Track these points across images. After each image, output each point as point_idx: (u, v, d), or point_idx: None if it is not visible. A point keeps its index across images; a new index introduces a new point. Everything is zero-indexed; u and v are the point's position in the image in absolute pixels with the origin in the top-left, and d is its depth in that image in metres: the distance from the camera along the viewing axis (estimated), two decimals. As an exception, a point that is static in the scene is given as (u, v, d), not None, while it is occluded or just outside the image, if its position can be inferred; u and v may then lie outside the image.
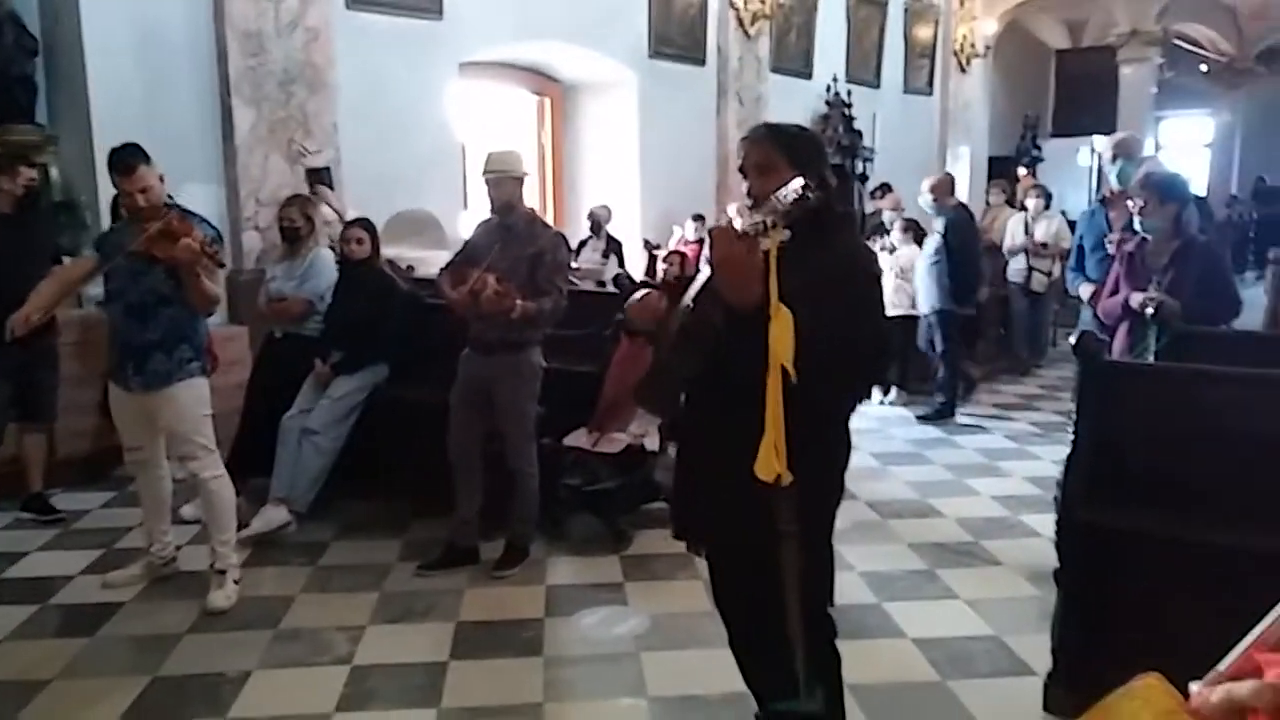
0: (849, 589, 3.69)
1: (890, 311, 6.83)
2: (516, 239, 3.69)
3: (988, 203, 9.46)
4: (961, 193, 12.48)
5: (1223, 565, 2.35)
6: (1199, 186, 16.17)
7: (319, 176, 5.76)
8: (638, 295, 2.12)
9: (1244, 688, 1.51)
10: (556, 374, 4.17)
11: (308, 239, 4.74)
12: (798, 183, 1.91)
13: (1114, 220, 4.56)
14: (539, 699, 2.89)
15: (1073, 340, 2.65)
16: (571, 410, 4.34)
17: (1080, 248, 4.80)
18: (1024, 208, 8.20)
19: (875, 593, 3.67)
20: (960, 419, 6.56)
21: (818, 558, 2.15)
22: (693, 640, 3.23)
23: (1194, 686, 1.57)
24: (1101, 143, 13.63)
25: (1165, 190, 4.01)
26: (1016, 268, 7.80)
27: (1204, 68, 15.98)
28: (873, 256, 2.16)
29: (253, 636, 3.30)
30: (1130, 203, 4.06)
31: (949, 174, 7.29)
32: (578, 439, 4.29)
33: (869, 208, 9.78)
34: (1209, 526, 2.47)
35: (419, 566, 3.88)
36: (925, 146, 12.27)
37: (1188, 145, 18.21)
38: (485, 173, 3.75)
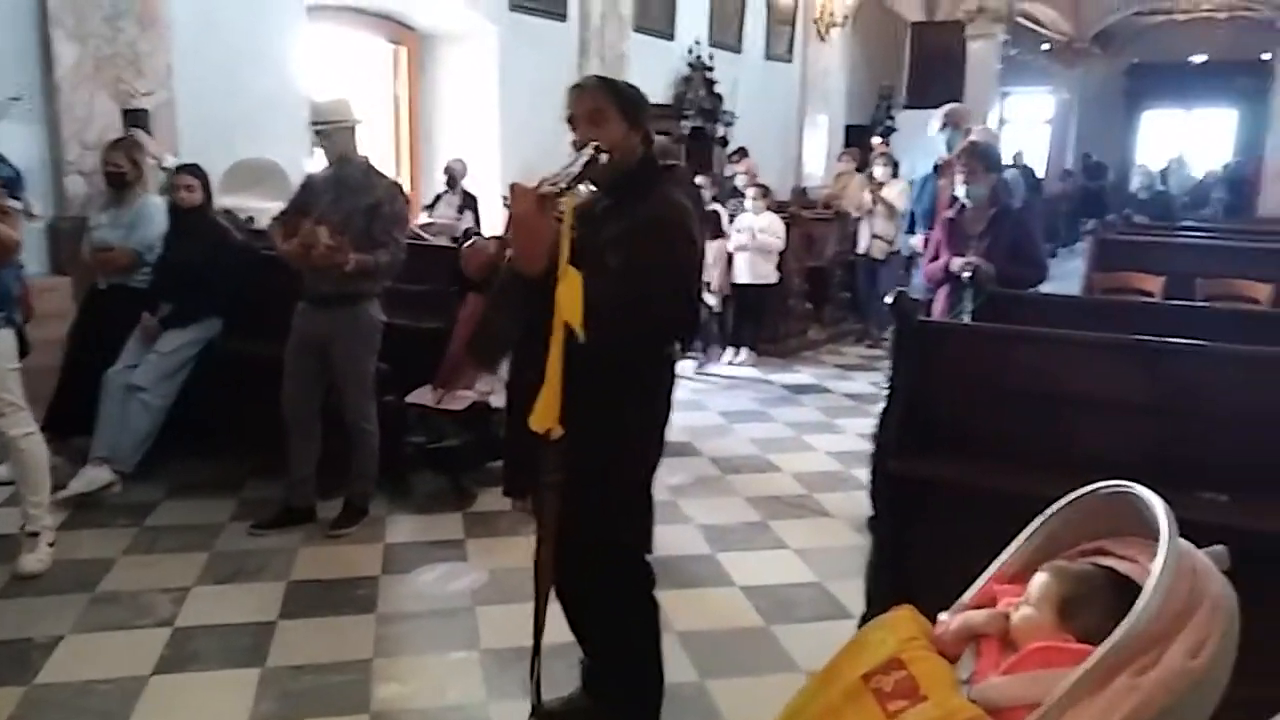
0: (686, 541, 3.81)
1: (742, 279, 7.13)
2: (351, 190, 3.60)
3: (839, 173, 9.74)
4: (818, 160, 12.90)
5: (1013, 510, 2.53)
6: (1037, 160, 17.14)
7: (135, 119, 5.43)
8: (470, 243, 2.10)
9: (979, 615, 1.65)
10: (401, 330, 4.12)
11: (135, 185, 4.49)
12: (590, 148, 1.95)
13: (943, 187, 4.78)
14: (368, 655, 2.88)
15: (889, 300, 2.79)
16: (417, 367, 4.28)
17: (913, 212, 5.01)
18: (872, 175, 8.49)
19: (710, 544, 3.80)
20: (805, 379, 6.82)
21: (623, 509, 2.21)
22: (529, 594, 3.26)
23: (941, 616, 1.70)
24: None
25: (987, 159, 4.25)
26: (864, 234, 8.08)
27: (1046, 46, 16.83)
28: (685, 213, 2.18)
29: (67, 600, 3.16)
30: (958, 173, 4.28)
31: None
32: (422, 396, 4.24)
33: (727, 171, 9.96)
34: (1003, 474, 2.66)
35: (251, 526, 3.79)
36: (785, 113, 12.52)
37: (1030, 120, 19.20)
38: (313, 124, 3.62)
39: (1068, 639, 1.47)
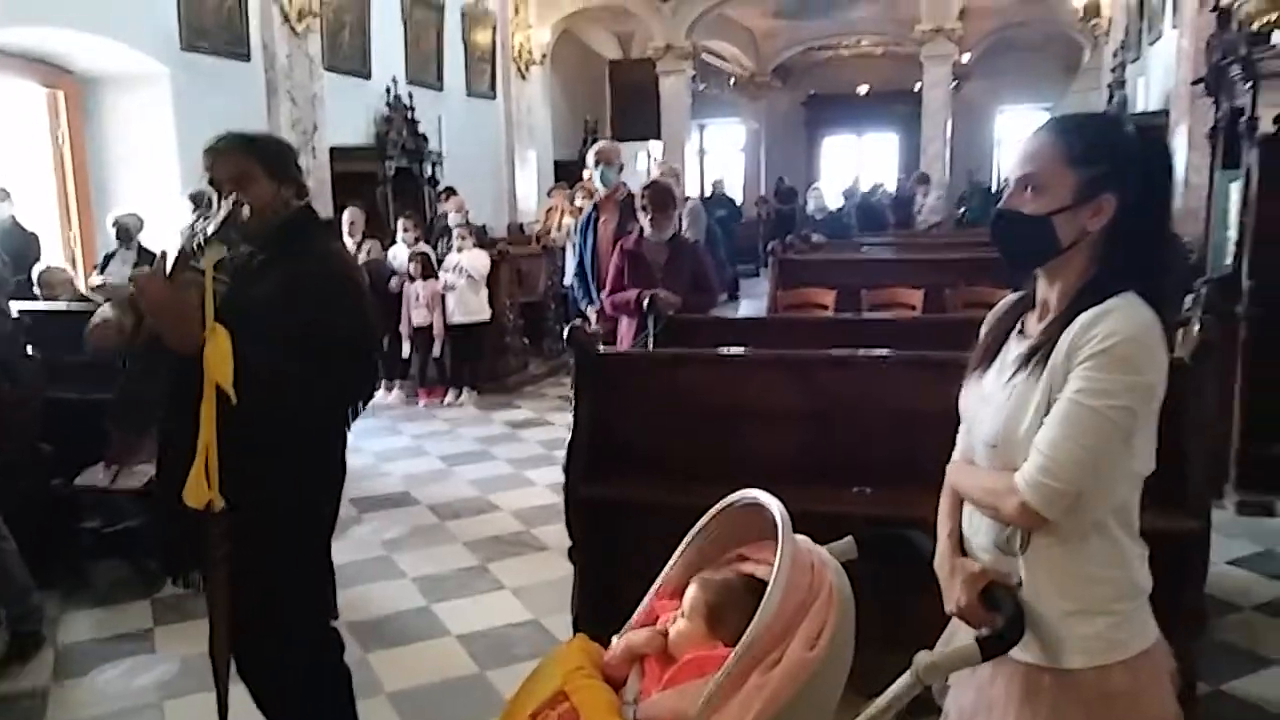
0: (400, 596, 3.71)
1: (456, 318, 7.09)
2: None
3: (549, 209, 9.95)
4: (532, 196, 13.12)
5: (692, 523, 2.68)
6: (734, 187, 18.39)
7: None
8: (95, 319, 1.89)
9: (639, 636, 1.72)
10: (64, 405, 3.74)
11: None
12: (229, 201, 1.88)
13: (603, 222, 4.98)
14: (31, 777, 2.56)
15: (566, 333, 2.87)
16: (86, 444, 3.90)
17: (578, 249, 5.14)
18: (580, 209, 8.73)
19: (426, 596, 3.72)
20: (526, 414, 6.88)
21: (298, 579, 2.12)
22: (225, 677, 3.04)
23: (613, 640, 1.75)
24: (654, 146, 15.02)
25: (669, 195, 4.50)
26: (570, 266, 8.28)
27: (733, 81, 18.11)
28: (347, 265, 2.16)
29: None
30: (639, 207, 4.49)
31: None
32: (93, 476, 3.85)
33: (438, 210, 9.90)
34: (685, 490, 2.80)
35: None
36: (493, 149, 12.63)
37: (726, 149, 20.57)
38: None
39: (717, 646, 1.55)
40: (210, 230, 1.95)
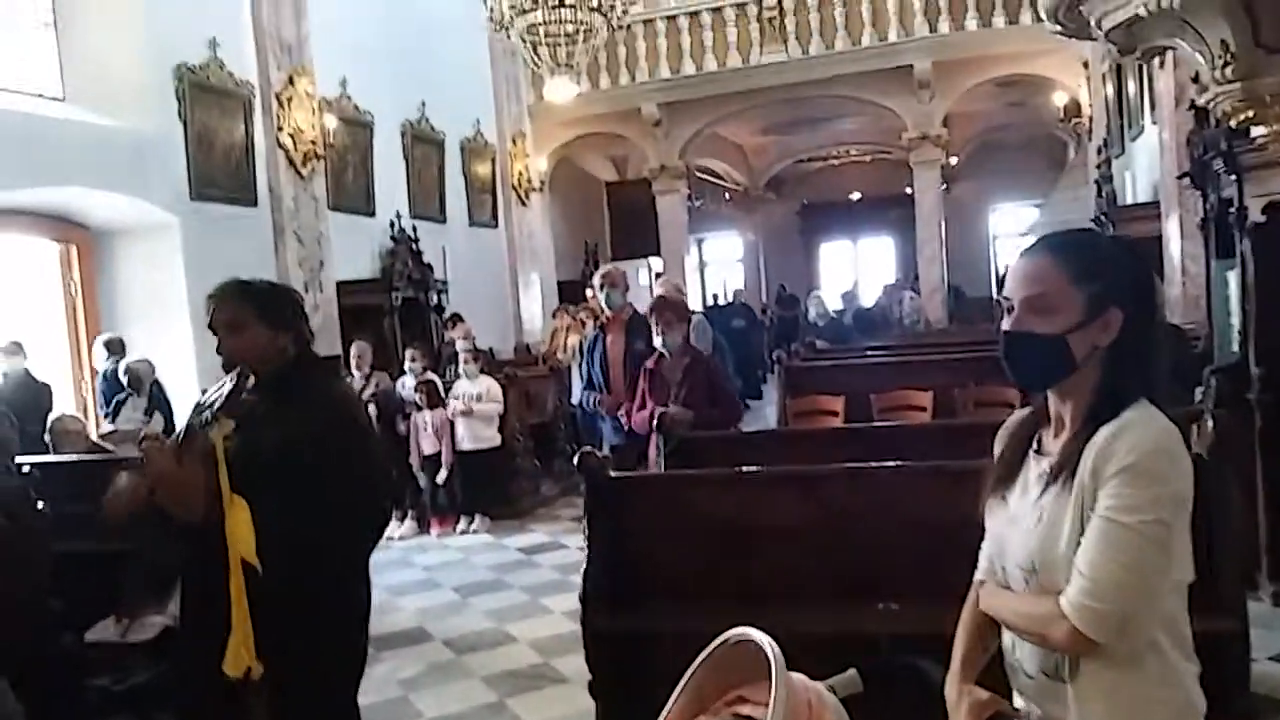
0: (417, 739, 3.59)
1: (465, 446, 7.08)
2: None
3: (554, 330, 10.07)
4: (537, 317, 13.30)
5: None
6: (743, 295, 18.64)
7: None
8: (111, 491, 1.88)
9: None
10: (74, 558, 3.71)
11: None
12: (231, 376, 1.92)
13: (610, 343, 5.05)
14: None
15: (576, 459, 2.86)
16: (98, 598, 3.85)
17: (586, 364, 5.21)
18: (584, 327, 8.83)
19: (444, 737, 3.60)
20: (539, 538, 6.80)
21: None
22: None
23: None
24: (655, 262, 15.30)
25: (677, 310, 4.57)
26: (577, 385, 8.32)
27: (726, 195, 18.56)
28: (350, 403, 2.17)
29: None
30: (654, 325, 4.56)
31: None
32: (104, 631, 3.79)
33: (445, 337, 10.01)
34: (705, 615, 2.73)
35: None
36: (497, 275, 12.86)
37: (725, 260, 20.94)
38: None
39: (715, 793, 1.49)
40: (217, 405, 1.98)
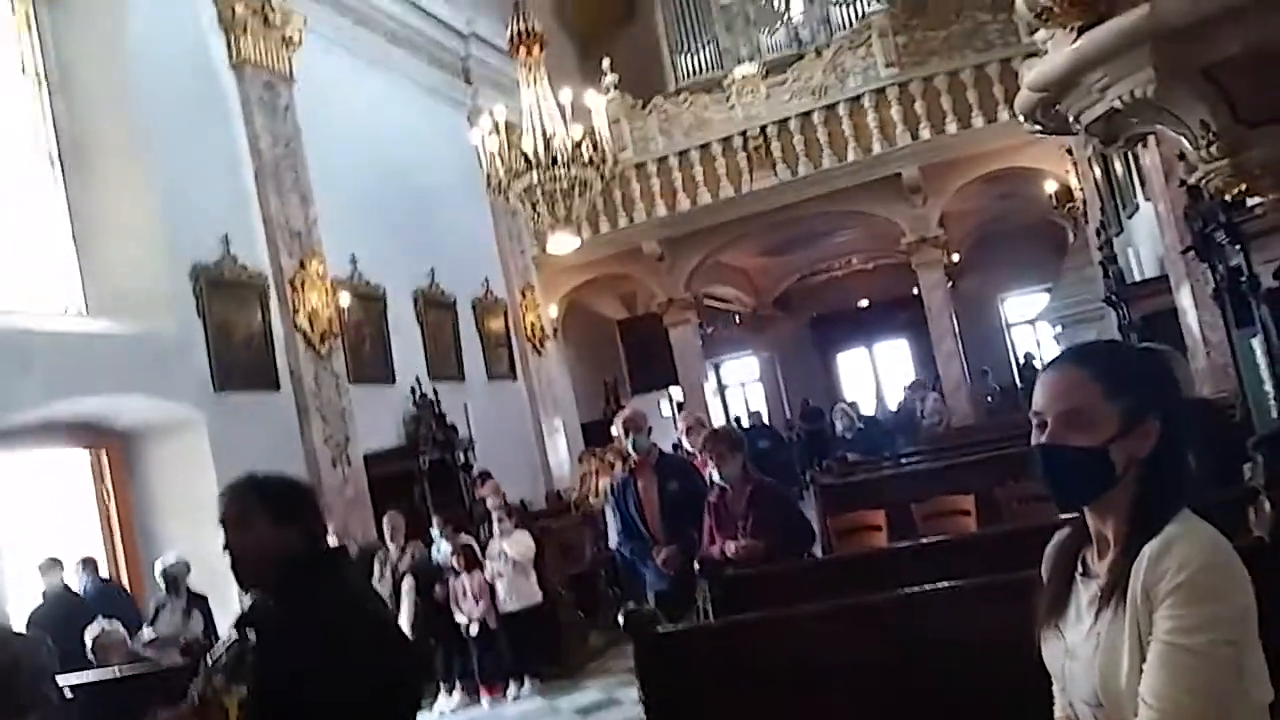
0: None
1: (508, 607, 6.94)
2: None
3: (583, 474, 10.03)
4: (565, 462, 13.27)
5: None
6: (762, 415, 18.60)
7: None
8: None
9: None
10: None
11: None
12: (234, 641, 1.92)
13: (642, 488, 5.01)
14: None
15: (621, 618, 2.78)
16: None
17: (621, 514, 5.14)
18: (612, 468, 8.80)
19: None
20: (594, 695, 6.58)
21: None
22: None
23: None
24: (674, 391, 15.35)
25: (729, 440, 4.54)
26: (613, 528, 8.22)
27: (737, 318, 18.77)
28: (364, 615, 2.12)
29: None
30: (704, 460, 4.54)
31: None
32: None
33: (476, 495, 9.97)
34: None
35: None
36: (521, 426, 12.90)
37: (743, 381, 21.02)
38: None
39: None
40: (226, 672, 1.97)
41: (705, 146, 12.95)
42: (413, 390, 10.46)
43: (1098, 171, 9.85)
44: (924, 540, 5.09)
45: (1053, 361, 1.51)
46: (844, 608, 2.90)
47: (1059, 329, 12.59)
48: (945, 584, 2.96)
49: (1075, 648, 1.40)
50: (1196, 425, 1.49)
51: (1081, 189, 11.21)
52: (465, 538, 7.45)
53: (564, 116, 7.19)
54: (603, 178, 7.41)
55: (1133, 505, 1.38)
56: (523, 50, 7.28)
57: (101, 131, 7.68)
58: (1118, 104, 3.48)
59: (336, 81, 10.19)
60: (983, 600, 2.78)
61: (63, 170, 7.61)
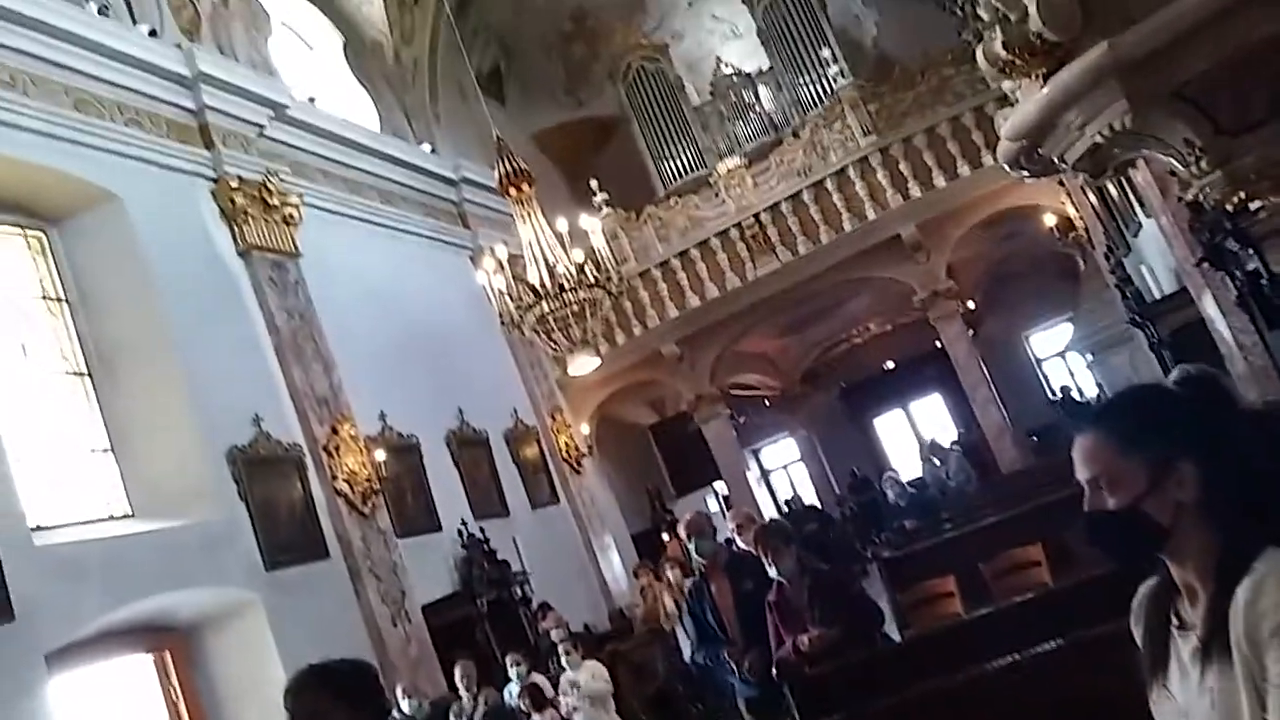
0: None
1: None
2: None
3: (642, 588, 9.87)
4: (622, 578, 13.08)
5: None
6: (806, 495, 18.38)
7: None
8: None
9: None
10: None
11: None
12: None
13: (717, 592, 4.91)
14: None
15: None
16: None
17: (696, 618, 5.01)
18: (669, 581, 8.65)
19: None
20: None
21: None
22: None
23: None
24: (719, 485, 15.19)
25: (781, 534, 4.47)
26: (684, 642, 8.04)
27: (767, 402, 18.72)
28: None
29: None
30: (763, 558, 4.46)
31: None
32: None
33: (540, 628, 9.82)
34: None
35: None
36: (572, 549, 12.77)
37: (785, 461, 20.82)
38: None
39: None
40: None
41: (704, 243, 13.16)
42: (459, 532, 10.43)
43: (1093, 198, 9.90)
44: (1003, 605, 4.94)
45: (1080, 425, 1.49)
46: (942, 692, 2.80)
47: (1090, 356, 12.47)
48: (1045, 646, 2.86)
49: (1189, 707, 1.34)
50: (1261, 444, 1.42)
51: (1081, 217, 11.25)
52: (534, 676, 7.31)
53: (563, 244, 7.36)
54: (610, 294, 7.53)
55: (1206, 550, 1.33)
56: (513, 189, 7.50)
57: (124, 339, 7.92)
58: (1099, 138, 3.53)
59: (340, 248, 10.51)
60: (1086, 655, 2.69)
61: (92, 381, 7.81)
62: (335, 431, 9.06)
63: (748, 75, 16.08)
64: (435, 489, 10.59)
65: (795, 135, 13.50)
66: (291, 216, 9.56)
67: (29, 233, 7.84)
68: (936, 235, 12.28)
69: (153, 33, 8.88)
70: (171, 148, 8.75)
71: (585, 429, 14.07)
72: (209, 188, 9.01)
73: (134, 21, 8.88)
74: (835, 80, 13.19)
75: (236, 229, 9.04)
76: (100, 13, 8.34)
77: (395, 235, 11.83)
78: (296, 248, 9.59)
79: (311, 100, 11.09)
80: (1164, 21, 2.71)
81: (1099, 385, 13.82)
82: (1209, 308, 6.85)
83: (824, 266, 12.65)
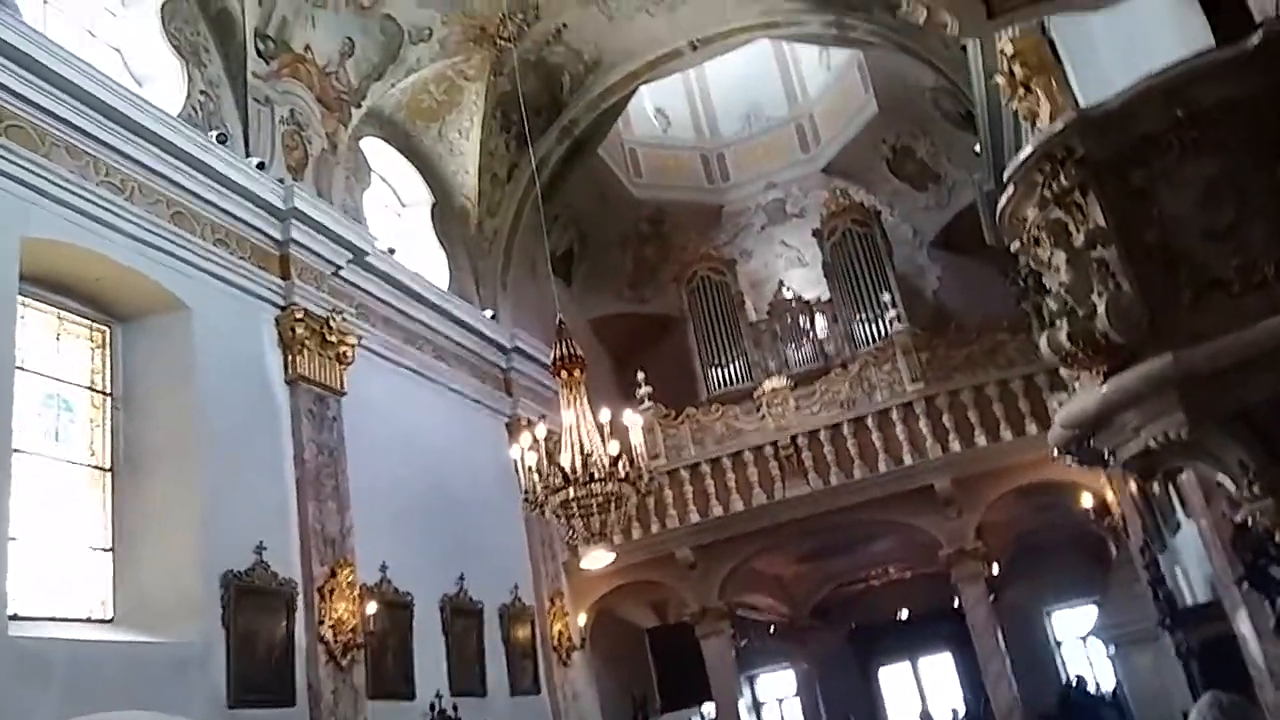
0: None
1: None
2: None
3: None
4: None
5: None
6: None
7: None
8: None
9: None
10: None
11: None
12: None
13: None
14: None
15: None
16: None
17: None
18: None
19: None
20: None
21: None
22: None
23: None
24: (707, 708, 14.45)
25: None
26: None
27: (772, 628, 18.09)
28: None
29: None
30: None
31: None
32: None
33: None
34: None
35: None
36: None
37: (779, 694, 19.89)
38: None
39: None
40: None
41: (737, 454, 13.13)
42: (432, 706, 9.96)
43: (1134, 487, 9.79)
44: None
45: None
46: None
47: (1113, 649, 11.99)
48: None
49: None
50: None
51: (1119, 503, 11.09)
52: None
53: (603, 434, 7.40)
54: (638, 492, 7.48)
55: None
56: (565, 372, 7.64)
57: (155, 443, 7.98)
58: (1152, 443, 3.51)
59: (383, 393, 10.66)
60: None
61: (112, 479, 7.82)
62: (334, 574, 8.89)
63: (807, 302, 16.55)
64: (418, 653, 10.22)
65: (844, 367, 13.70)
66: (345, 355, 9.79)
67: (95, 326, 8.09)
68: (971, 493, 12.14)
69: (261, 165, 9.45)
70: (250, 271, 9.12)
71: (582, 619, 13.64)
72: (274, 314, 9.32)
73: (247, 153, 9.47)
74: (891, 324, 13.47)
75: (290, 357, 9.25)
76: (219, 140, 8.91)
77: (439, 390, 12.00)
78: (342, 385, 9.76)
79: (391, 250, 11.59)
80: (1233, 344, 2.75)
81: (1118, 680, 13.20)
82: (1244, 627, 6.59)
83: (853, 501, 12.49)
